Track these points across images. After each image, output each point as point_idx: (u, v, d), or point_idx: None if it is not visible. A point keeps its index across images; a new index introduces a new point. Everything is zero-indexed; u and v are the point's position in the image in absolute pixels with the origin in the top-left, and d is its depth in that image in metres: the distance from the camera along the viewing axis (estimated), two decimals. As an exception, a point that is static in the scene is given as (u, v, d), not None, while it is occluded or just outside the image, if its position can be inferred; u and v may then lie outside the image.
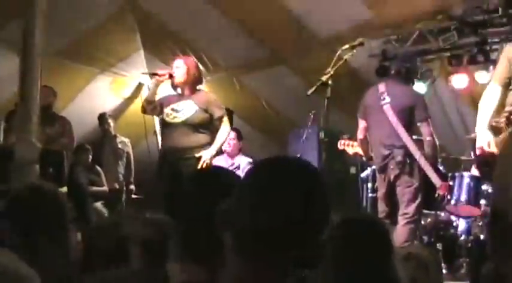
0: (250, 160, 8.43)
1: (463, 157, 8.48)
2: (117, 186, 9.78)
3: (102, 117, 9.91)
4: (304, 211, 1.78)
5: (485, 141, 4.98)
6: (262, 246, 1.78)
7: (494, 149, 4.91)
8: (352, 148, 7.33)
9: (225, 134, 7.05)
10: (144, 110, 7.23)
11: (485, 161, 5.41)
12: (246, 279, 1.81)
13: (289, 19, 8.57)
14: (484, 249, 6.85)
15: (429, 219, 8.00)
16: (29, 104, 6.41)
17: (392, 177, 6.60)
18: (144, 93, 9.64)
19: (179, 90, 7.06)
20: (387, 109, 6.64)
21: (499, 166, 4.88)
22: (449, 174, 7.48)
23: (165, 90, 7.45)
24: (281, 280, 1.82)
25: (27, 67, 6.44)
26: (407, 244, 6.30)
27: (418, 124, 6.70)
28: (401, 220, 6.54)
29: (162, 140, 7.37)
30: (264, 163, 1.92)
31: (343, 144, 7.39)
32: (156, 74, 7.17)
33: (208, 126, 6.93)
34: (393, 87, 6.83)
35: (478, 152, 5.03)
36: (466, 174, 7.50)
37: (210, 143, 6.86)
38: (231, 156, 8.50)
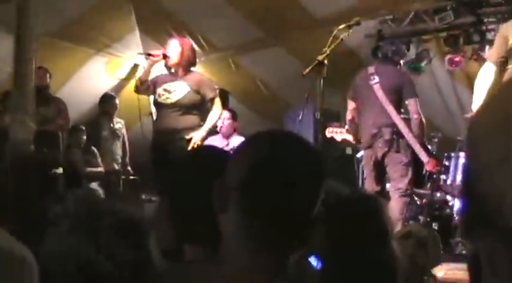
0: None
1: (459, 138, 8.49)
2: (116, 167, 9.77)
3: (108, 97, 9.84)
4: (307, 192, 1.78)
5: None
6: (270, 228, 1.76)
7: None
8: (340, 135, 7.38)
9: (216, 116, 7.05)
10: (137, 90, 7.23)
11: None
12: (250, 267, 1.80)
13: (286, 1, 8.53)
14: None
15: (425, 199, 8.02)
16: (24, 85, 6.40)
17: (380, 155, 6.68)
18: (139, 74, 9.62)
19: (172, 71, 7.05)
20: (377, 88, 6.71)
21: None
22: (445, 154, 7.52)
23: (159, 70, 7.43)
24: (282, 265, 1.82)
25: (22, 48, 6.43)
26: (402, 216, 6.39)
27: (406, 102, 6.78)
28: (394, 195, 6.61)
29: (154, 121, 7.37)
30: (261, 137, 1.89)
31: (331, 132, 7.43)
32: (150, 55, 7.17)
33: (200, 107, 6.92)
34: (382, 67, 6.92)
35: None
36: (461, 154, 7.53)
37: (201, 125, 6.88)
38: (226, 136, 8.48)
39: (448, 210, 8.02)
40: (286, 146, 1.84)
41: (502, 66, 5.11)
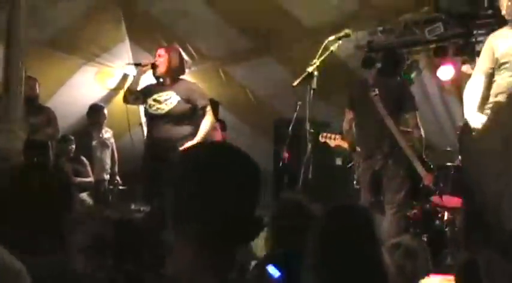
0: None
1: (448, 149, 8.51)
2: (105, 177, 9.76)
3: (97, 108, 9.84)
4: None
5: (479, 121, 4.96)
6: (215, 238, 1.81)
7: None
8: (334, 141, 7.36)
9: (209, 124, 6.94)
10: (126, 100, 7.19)
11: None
12: (196, 268, 1.82)
13: (274, 9, 8.54)
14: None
15: (415, 211, 8.02)
16: (13, 94, 6.38)
17: (378, 167, 6.65)
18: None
19: (161, 80, 7.02)
20: (376, 100, 6.68)
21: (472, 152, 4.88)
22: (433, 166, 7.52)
23: (148, 80, 7.42)
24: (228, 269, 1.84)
25: (11, 57, 6.42)
26: (397, 229, 6.38)
27: (406, 116, 6.77)
28: (389, 210, 6.59)
29: (147, 132, 7.34)
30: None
31: (324, 137, 7.41)
32: (139, 64, 7.16)
33: (191, 116, 6.87)
34: (381, 79, 6.90)
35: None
36: (451, 165, 7.54)
37: (193, 134, 6.79)
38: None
39: (437, 222, 8.03)
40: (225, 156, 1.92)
41: (490, 77, 5.12)
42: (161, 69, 6.90)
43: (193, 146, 2.02)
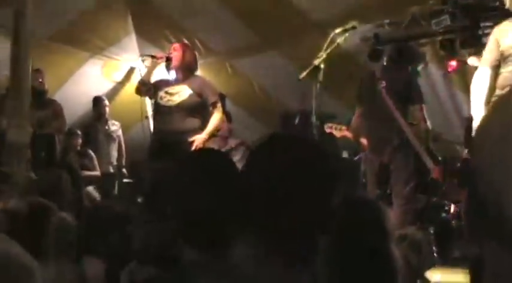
0: (239, 141, 8.52)
1: (454, 141, 8.51)
2: (112, 170, 9.78)
3: (98, 100, 9.88)
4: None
5: None
6: None
7: None
8: (339, 131, 7.36)
9: (218, 120, 7.04)
10: (138, 91, 7.23)
11: None
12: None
13: (281, 2, 8.53)
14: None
15: (421, 203, 8.02)
16: (20, 88, 6.41)
17: (386, 160, 6.64)
18: (136, 77, 9.62)
19: (174, 74, 7.07)
20: (384, 94, 6.67)
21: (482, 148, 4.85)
22: (441, 158, 7.51)
23: (160, 74, 7.45)
24: None
25: (19, 51, 6.44)
26: (405, 221, 6.37)
27: (412, 108, 6.76)
28: (397, 202, 6.59)
29: (154, 123, 7.36)
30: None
31: (330, 127, 7.41)
32: (154, 56, 7.19)
33: (201, 111, 6.93)
34: (388, 71, 6.89)
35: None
36: (457, 158, 7.54)
37: (202, 128, 6.86)
38: (224, 138, 8.51)
39: (444, 214, 8.02)
40: None
41: (495, 69, 5.11)
42: (175, 63, 6.95)
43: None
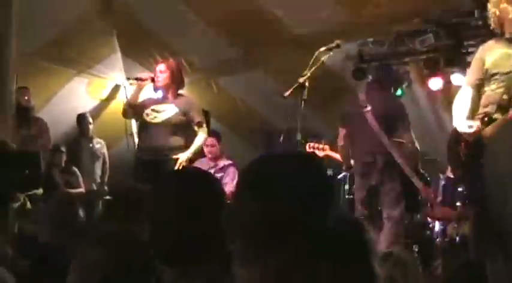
0: (231, 162, 8.51)
1: (439, 160, 8.53)
2: (95, 187, 9.75)
3: (81, 117, 9.86)
4: None
5: (467, 125, 4.93)
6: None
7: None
8: (322, 151, 7.38)
9: (202, 139, 7.15)
10: (125, 114, 7.28)
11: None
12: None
13: (265, 21, 8.55)
14: (458, 250, 6.90)
15: (405, 221, 8.03)
16: (4, 105, 6.38)
17: (374, 183, 6.66)
18: (121, 95, 9.62)
19: (161, 93, 7.09)
20: (368, 116, 6.70)
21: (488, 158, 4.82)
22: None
23: (146, 93, 7.46)
24: None
25: (2, 68, 6.42)
26: (396, 241, 6.39)
27: (401, 131, 6.78)
28: (386, 223, 6.60)
29: (139, 140, 7.36)
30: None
31: (311, 147, 7.43)
32: (140, 79, 7.20)
33: (186, 129, 6.99)
34: (373, 94, 6.92)
35: (468, 138, 4.91)
36: (441, 176, 7.56)
37: (187, 146, 6.93)
38: (213, 159, 8.51)
39: (428, 232, 8.04)
40: None
41: (479, 88, 5.12)
42: (162, 83, 6.99)
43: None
